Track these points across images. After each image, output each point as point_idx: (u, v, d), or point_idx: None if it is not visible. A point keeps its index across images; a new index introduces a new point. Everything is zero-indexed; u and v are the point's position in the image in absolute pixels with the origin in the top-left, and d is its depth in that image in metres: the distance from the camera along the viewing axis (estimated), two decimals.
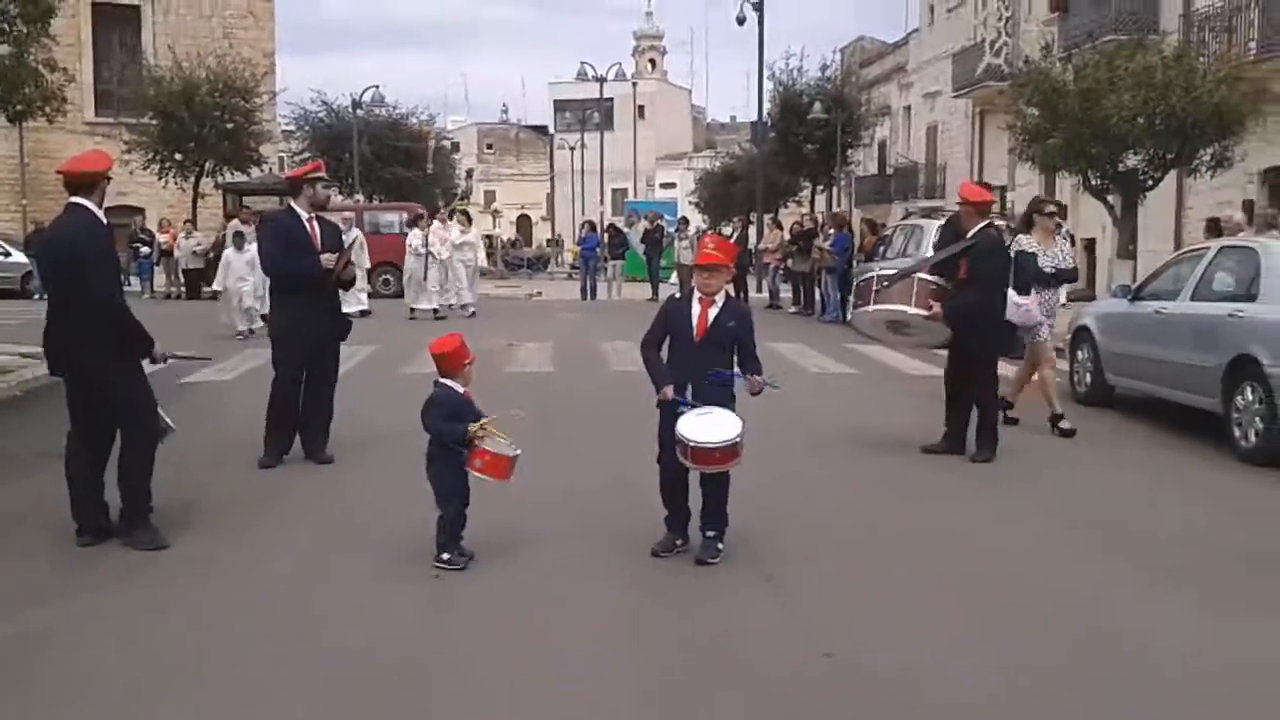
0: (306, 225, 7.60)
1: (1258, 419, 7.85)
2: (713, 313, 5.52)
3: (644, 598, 5.10)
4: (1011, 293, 8.63)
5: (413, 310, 19.22)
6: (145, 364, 5.94)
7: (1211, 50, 18.92)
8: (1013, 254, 8.89)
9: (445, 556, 5.34)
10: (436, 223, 20.06)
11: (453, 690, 4.10)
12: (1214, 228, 13.81)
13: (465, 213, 22.58)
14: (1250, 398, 7.95)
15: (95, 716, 3.83)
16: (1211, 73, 15.42)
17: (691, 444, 5.28)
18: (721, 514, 5.58)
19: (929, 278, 8.14)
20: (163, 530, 5.77)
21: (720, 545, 5.54)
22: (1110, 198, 16.79)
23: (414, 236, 19.69)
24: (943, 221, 11.05)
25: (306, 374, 7.69)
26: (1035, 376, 9.22)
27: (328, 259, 7.48)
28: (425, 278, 19.10)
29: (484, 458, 5.32)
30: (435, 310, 19.05)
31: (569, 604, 4.99)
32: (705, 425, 5.32)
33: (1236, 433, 8.11)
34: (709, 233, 27.64)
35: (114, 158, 6.25)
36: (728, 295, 5.71)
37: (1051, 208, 9.69)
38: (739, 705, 4.02)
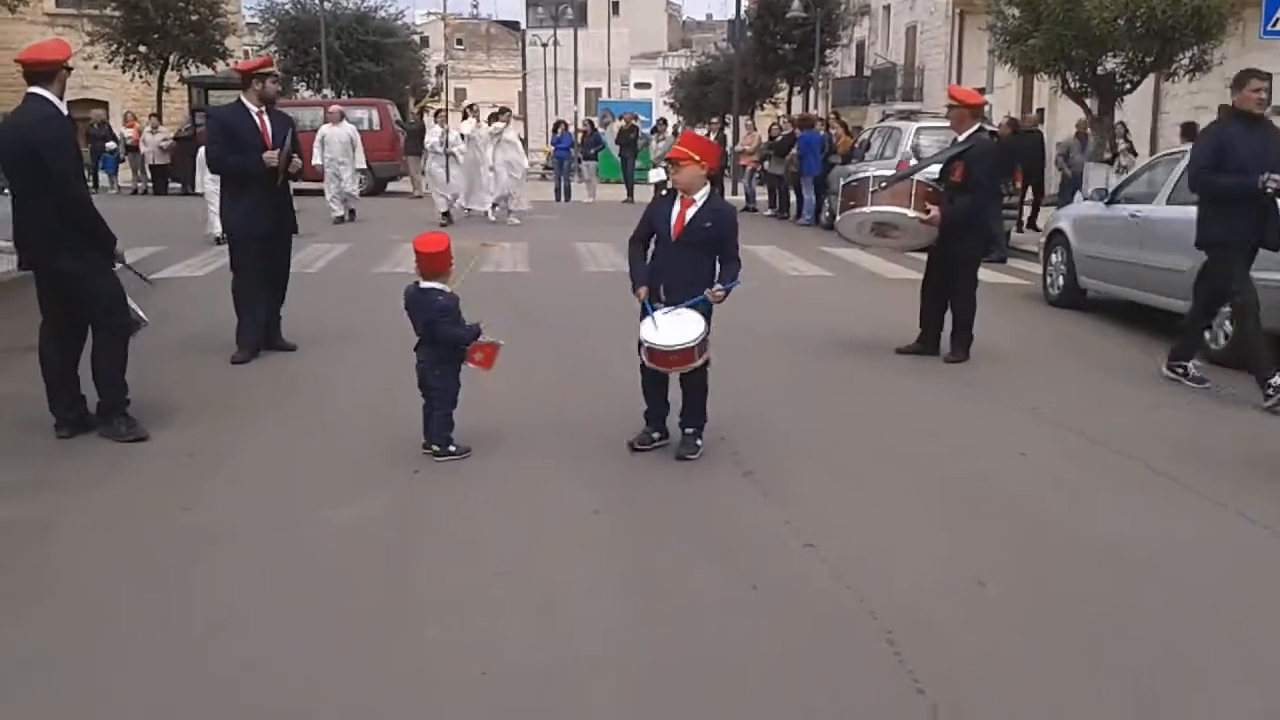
0: (256, 119, 7.47)
1: (1227, 321, 7.94)
2: (690, 213, 5.41)
3: (623, 488, 5.16)
4: None
5: (443, 213, 17.69)
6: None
7: None
8: None
9: (452, 448, 5.49)
10: (471, 121, 18.66)
11: (438, 569, 4.16)
12: (1189, 132, 13.82)
13: (506, 109, 19.95)
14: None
15: (83, 604, 3.85)
16: None
17: (647, 345, 5.33)
18: (701, 411, 5.61)
19: (925, 180, 8.13)
20: (141, 422, 5.76)
21: (699, 442, 5.59)
22: (1088, 101, 16.74)
23: (432, 134, 18.51)
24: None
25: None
26: None
27: (269, 156, 7.36)
28: (448, 179, 17.86)
29: (483, 351, 5.51)
30: (446, 214, 17.52)
31: (548, 493, 5.05)
32: (666, 326, 5.32)
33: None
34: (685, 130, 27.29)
35: (76, 49, 6.04)
36: (711, 196, 5.55)
37: None
38: (719, 581, 4.09)
